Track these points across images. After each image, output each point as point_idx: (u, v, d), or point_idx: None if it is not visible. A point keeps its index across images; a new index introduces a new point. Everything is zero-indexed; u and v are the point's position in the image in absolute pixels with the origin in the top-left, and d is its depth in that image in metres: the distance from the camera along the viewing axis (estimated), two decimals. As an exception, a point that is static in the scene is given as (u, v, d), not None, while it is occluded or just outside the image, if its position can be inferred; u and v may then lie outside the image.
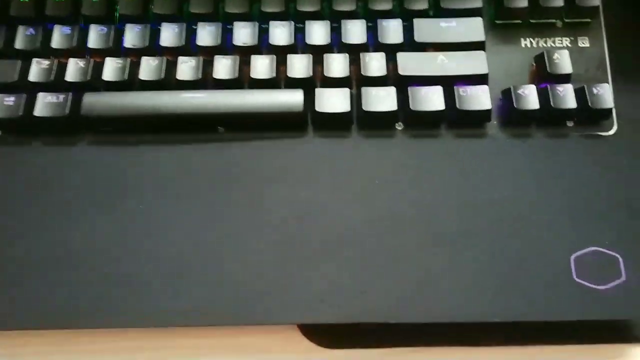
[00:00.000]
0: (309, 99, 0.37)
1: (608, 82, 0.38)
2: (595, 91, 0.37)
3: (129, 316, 0.33)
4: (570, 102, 0.36)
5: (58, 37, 0.38)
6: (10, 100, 0.37)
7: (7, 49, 0.38)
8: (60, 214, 0.35)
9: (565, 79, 0.37)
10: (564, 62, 0.37)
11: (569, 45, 0.39)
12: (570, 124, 0.38)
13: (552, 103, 0.36)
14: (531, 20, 0.39)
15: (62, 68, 0.37)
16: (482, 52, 0.38)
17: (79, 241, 0.35)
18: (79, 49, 0.38)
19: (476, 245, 0.35)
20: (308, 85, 0.37)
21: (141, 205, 0.36)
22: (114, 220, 0.35)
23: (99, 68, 0.37)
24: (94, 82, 0.37)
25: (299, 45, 0.38)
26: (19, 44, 0.38)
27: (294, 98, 0.36)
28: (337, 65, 0.37)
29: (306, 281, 0.34)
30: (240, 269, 0.34)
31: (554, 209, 0.36)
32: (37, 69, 0.37)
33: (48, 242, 0.35)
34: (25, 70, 0.37)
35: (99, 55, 0.38)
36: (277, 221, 0.35)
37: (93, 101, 0.36)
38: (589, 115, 0.37)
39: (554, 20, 0.39)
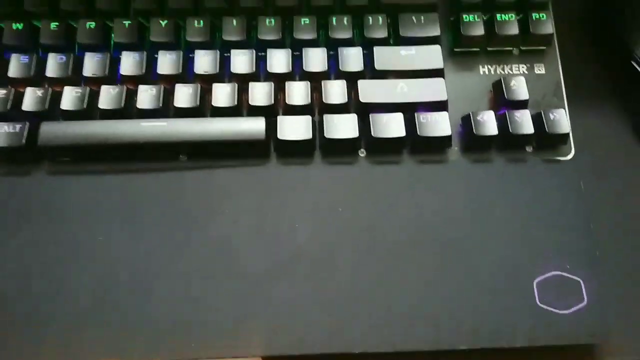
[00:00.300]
0: (271, 126, 0.37)
1: (564, 108, 0.39)
2: (552, 116, 0.37)
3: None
4: (528, 128, 0.37)
5: (15, 66, 0.37)
6: (-36, 130, 0.36)
7: (-37, 79, 0.37)
8: (17, 244, 0.35)
9: (522, 105, 0.38)
10: (520, 89, 0.38)
11: (526, 72, 0.40)
12: (529, 148, 0.38)
13: (510, 129, 0.37)
14: (488, 48, 0.40)
15: (19, 97, 0.37)
16: (441, 79, 0.38)
17: (33, 272, 0.34)
18: (37, 78, 0.38)
19: (439, 270, 0.35)
20: (270, 113, 0.37)
21: (101, 236, 0.35)
22: (70, 252, 0.35)
23: (57, 97, 0.37)
24: (51, 112, 0.37)
25: (261, 73, 0.39)
26: (-25, 73, 0.37)
27: (256, 126, 0.36)
28: (298, 92, 0.37)
29: (264, 312, 0.33)
30: (204, 301, 0.34)
31: (515, 234, 0.36)
32: (-7, 99, 0.37)
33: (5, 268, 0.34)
34: (-20, 100, 0.37)
35: (58, 84, 0.38)
36: (240, 250, 0.35)
37: (50, 130, 0.36)
38: (547, 140, 0.38)
39: (510, 48, 0.40)
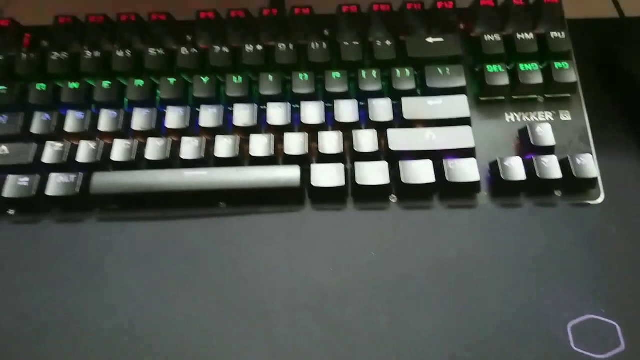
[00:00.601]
0: (306, 174, 0.39)
1: (591, 153, 0.40)
2: (579, 161, 0.38)
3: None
4: (556, 173, 0.38)
5: (71, 122, 0.41)
6: (24, 180, 0.39)
7: (24, 133, 0.41)
8: (71, 286, 0.37)
9: (549, 150, 0.39)
10: (547, 135, 0.39)
11: (551, 118, 0.41)
12: (558, 193, 0.39)
13: (538, 174, 0.38)
14: (513, 97, 0.42)
15: (74, 150, 0.40)
16: (468, 127, 0.40)
17: (85, 315, 0.36)
18: (90, 132, 0.41)
19: (472, 315, 0.35)
20: (304, 162, 0.39)
21: (144, 281, 0.37)
22: (117, 292, 0.37)
23: (108, 149, 0.40)
24: (103, 163, 0.40)
25: (296, 124, 0.41)
26: (34, 128, 0.41)
27: (291, 174, 0.38)
28: (331, 142, 0.39)
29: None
30: (240, 343, 0.35)
31: (548, 278, 0.36)
32: (50, 152, 0.40)
33: (57, 316, 0.36)
34: (39, 153, 0.40)
35: (109, 137, 0.41)
36: (274, 294, 0.36)
37: (102, 180, 0.39)
38: (575, 185, 0.39)
39: (535, 96, 0.42)
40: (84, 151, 0.40)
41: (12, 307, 0.36)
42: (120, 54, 0.43)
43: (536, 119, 0.41)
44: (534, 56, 0.41)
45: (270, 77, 0.42)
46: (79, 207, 0.39)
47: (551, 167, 0.38)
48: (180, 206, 0.39)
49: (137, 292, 0.37)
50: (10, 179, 0.39)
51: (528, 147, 0.40)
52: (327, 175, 0.39)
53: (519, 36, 0.42)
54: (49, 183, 0.39)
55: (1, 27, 0.44)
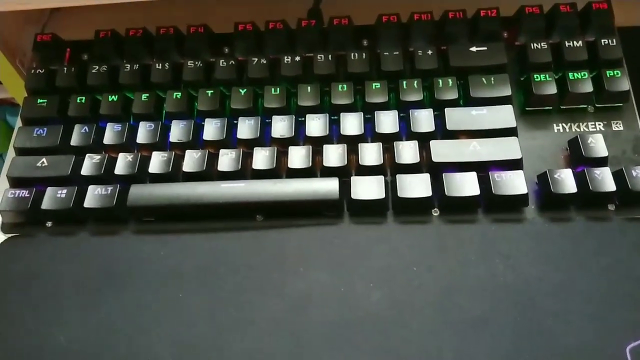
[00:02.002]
0: (345, 186, 0.38)
1: (647, 164, 0.38)
2: (634, 173, 0.36)
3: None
4: (609, 185, 0.36)
5: (110, 134, 0.41)
6: (62, 193, 0.39)
7: (63, 146, 0.41)
8: (108, 299, 0.36)
9: (601, 162, 0.37)
10: (599, 146, 0.37)
11: (602, 129, 0.39)
12: (611, 207, 0.37)
13: (590, 186, 0.36)
14: (561, 107, 0.40)
15: (112, 162, 0.40)
16: (514, 138, 0.38)
17: (115, 325, 0.35)
18: (128, 144, 0.41)
19: (522, 335, 0.33)
20: (343, 174, 0.38)
21: (181, 294, 0.36)
22: (155, 307, 0.36)
23: (145, 161, 0.40)
24: (140, 175, 0.39)
25: (334, 135, 0.40)
26: (74, 140, 0.41)
27: (329, 186, 0.37)
28: (371, 153, 0.38)
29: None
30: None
31: (601, 297, 0.34)
32: (89, 164, 0.40)
33: (94, 328, 0.35)
34: (77, 165, 0.40)
35: (147, 149, 0.40)
36: (313, 310, 0.35)
37: (139, 193, 0.38)
38: (630, 198, 0.36)
39: (585, 106, 0.40)
40: (122, 163, 0.40)
41: (48, 322, 0.36)
42: (158, 66, 0.43)
43: (586, 129, 0.40)
44: (583, 64, 0.40)
45: (309, 88, 0.41)
46: (116, 219, 0.39)
47: (604, 179, 0.36)
48: (217, 219, 0.38)
49: (168, 306, 0.36)
50: (49, 191, 0.39)
51: (579, 159, 0.38)
52: (366, 188, 0.37)
53: (567, 44, 0.40)
54: (87, 195, 0.39)
55: (43, 41, 0.45)
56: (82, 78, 0.43)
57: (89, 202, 0.38)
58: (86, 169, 0.40)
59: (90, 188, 0.39)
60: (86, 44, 0.45)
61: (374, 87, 0.40)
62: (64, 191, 0.39)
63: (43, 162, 0.40)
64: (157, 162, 0.39)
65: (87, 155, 0.40)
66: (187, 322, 0.35)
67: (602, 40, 0.40)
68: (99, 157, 0.40)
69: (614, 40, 0.40)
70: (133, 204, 0.38)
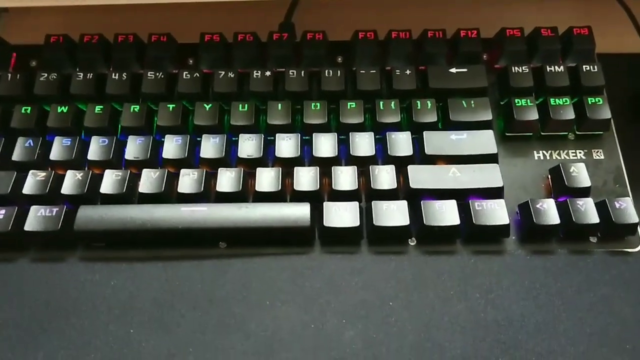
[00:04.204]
0: (317, 213, 0.35)
1: (629, 195, 0.37)
2: (617, 205, 0.35)
3: None
4: (593, 217, 0.34)
5: (57, 149, 0.37)
6: (0, 213, 0.35)
7: (3, 161, 0.37)
8: (50, 336, 0.32)
9: (584, 192, 0.36)
10: (581, 176, 0.36)
11: (583, 157, 0.38)
12: (593, 239, 0.36)
13: (573, 218, 0.34)
14: (542, 133, 0.39)
15: (59, 180, 0.36)
16: (496, 165, 0.36)
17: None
18: (78, 161, 0.37)
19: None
20: (315, 199, 0.35)
21: (132, 330, 0.33)
22: (101, 346, 0.32)
23: (97, 180, 0.36)
24: (90, 195, 0.36)
25: (306, 157, 0.37)
26: (16, 155, 0.37)
27: (300, 212, 0.35)
28: (345, 177, 0.36)
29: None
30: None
31: (586, 337, 0.32)
32: (32, 181, 0.36)
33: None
34: (19, 183, 0.36)
35: (99, 167, 0.37)
36: (281, 350, 0.32)
37: (88, 215, 0.35)
38: (613, 231, 0.35)
39: (565, 133, 0.39)
40: (70, 182, 0.36)
41: None
42: (115, 76, 0.39)
43: (567, 157, 0.38)
44: (564, 90, 0.38)
45: (279, 106, 0.38)
46: (62, 244, 0.35)
47: (587, 210, 0.35)
48: (176, 246, 0.35)
49: (119, 343, 0.32)
50: (-15, 211, 0.35)
51: (561, 188, 0.36)
52: (340, 215, 0.35)
53: (548, 68, 0.39)
54: (28, 217, 0.34)
55: (-14, 44, 0.41)
56: (29, 86, 0.39)
57: (30, 224, 0.34)
58: (29, 187, 0.36)
59: (33, 209, 0.35)
60: (35, 49, 0.41)
61: (349, 106, 0.38)
62: (2, 212, 0.35)
63: (-20, 179, 0.36)
64: (109, 181, 0.36)
65: (31, 172, 0.36)
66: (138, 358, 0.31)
67: (584, 67, 0.39)
68: (44, 174, 0.36)
69: (595, 67, 0.39)
70: (81, 227, 0.34)
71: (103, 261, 0.35)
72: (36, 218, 0.35)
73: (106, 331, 0.33)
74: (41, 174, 0.36)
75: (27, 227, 0.34)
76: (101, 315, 0.33)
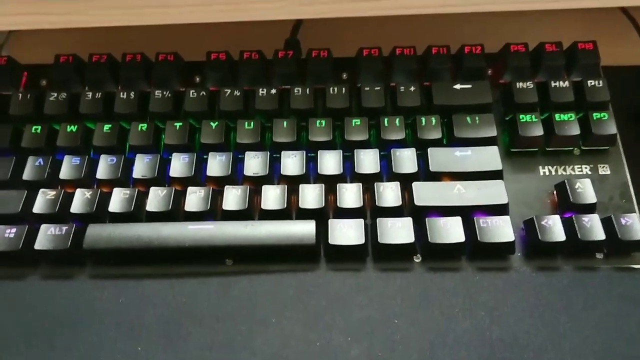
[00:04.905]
0: (322, 230, 0.35)
1: (635, 211, 0.37)
2: (623, 222, 0.35)
3: None
4: (599, 234, 0.34)
5: (67, 168, 0.38)
6: (11, 232, 0.35)
7: (14, 179, 0.37)
8: (59, 353, 0.33)
9: (589, 208, 0.36)
10: (587, 191, 0.36)
11: (589, 172, 0.38)
12: (599, 255, 0.35)
13: (579, 235, 0.34)
14: (547, 148, 0.39)
15: (68, 198, 0.36)
16: (500, 181, 0.36)
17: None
18: (87, 179, 0.37)
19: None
20: (320, 216, 0.36)
21: (139, 348, 0.33)
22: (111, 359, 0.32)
23: (105, 199, 0.36)
24: (99, 214, 0.36)
25: (311, 174, 0.38)
26: (26, 174, 0.37)
27: (306, 229, 0.35)
28: (350, 195, 0.36)
29: None
30: None
31: (589, 351, 0.32)
32: (42, 200, 0.36)
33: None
34: (30, 201, 0.36)
35: (107, 185, 0.37)
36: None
37: (97, 233, 0.35)
38: (620, 247, 0.35)
39: (571, 148, 0.39)
40: (79, 200, 0.36)
41: None
42: (123, 95, 0.40)
43: (573, 173, 0.38)
44: (569, 105, 0.38)
45: (285, 123, 0.38)
46: (71, 262, 0.36)
47: (593, 227, 0.35)
48: (183, 263, 0.35)
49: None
50: (-4, 229, 0.35)
51: (566, 205, 0.36)
52: (345, 232, 0.35)
53: (553, 84, 0.39)
54: (38, 235, 0.35)
55: (-3, 64, 0.41)
56: (39, 106, 0.40)
57: (40, 243, 0.35)
58: (39, 205, 0.36)
59: (43, 227, 0.35)
60: (45, 69, 0.42)
61: (354, 123, 0.38)
62: (13, 230, 0.35)
63: (-9, 197, 0.37)
64: (118, 199, 0.36)
65: (41, 190, 0.37)
66: None
67: (589, 82, 0.39)
68: (53, 192, 0.37)
69: (601, 82, 0.39)
70: (90, 246, 0.35)
71: (111, 278, 0.35)
72: (46, 236, 0.35)
73: (114, 348, 0.33)
74: (51, 193, 0.37)
75: (37, 245, 0.35)
76: (109, 332, 0.33)
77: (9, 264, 0.36)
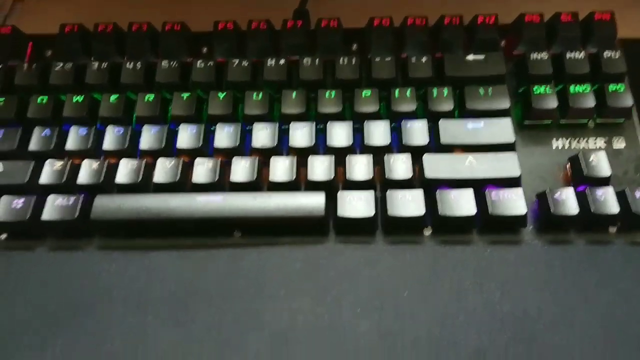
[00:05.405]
0: (331, 202, 0.35)
1: (650, 185, 0.36)
2: (638, 195, 0.34)
3: None
4: (612, 207, 0.34)
5: (73, 139, 0.37)
6: (18, 203, 0.35)
7: (21, 150, 0.37)
8: (67, 326, 0.33)
9: (604, 182, 0.35)
10: (601, 165, 0.35)
11: (604, 145, 0.37)
12: (613, 229, 0.35)
13: (592, 208, 0.34)
14: (561, 121, 0.38)
15: (75, 170, 0.36)
16: (513, 153, 0.36)
17: (77, 353, 0.32)
18: (94, 150, 0.37)
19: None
20: (330, 188, 0.35)
21: (148, 319, 0.33)
22: (119, 335, 0.32)
23: (112, 170, 0.36)
24: (106, 185, 0.36)
25: (320, 146, 0.37)
26: (33, 145, 0.37)
27: (315, 201, 0.34)
28: (360, 167, 0.35)
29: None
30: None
31: (604, 333, 0.32)
32: (49, 171, 0.36)
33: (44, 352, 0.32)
34: (36, 172, 0.36)
35: (114, 156, 0.37)
36: (295, 341, 0.32)
37: (104, 205, 0.35)
38: (634, 221, 0.34)
39: (585, 121, 0.38)
40: (86, 171, 0.36)
41: None
42: (129, 65, 0.39)
43: (587, 146, 0.37)
44: (585, 77, 0.38)
45: (294, 95, 0.38)
46: (78, 233, 0.35)
47: (607, 200, 0.34)
48: (191, 235, 0.35)
49: (135, 330, 0.32)
50: (4, 200, 0.35)
51: (580, 178, 0.35)
52: (354, 204, 0.34)
53: (568, 55, 0.38)
54: (45, 206, 0.35)
55: (2, 35, 0.41)
56: (45, 76, 0.39)
57: (48, 214, 0.35)
58: (46, 176, 0.36)
59: (50, 198, 0.35)
60: (50, 39, 0.41)
61: (364, 95, 0.38)
62: (21, 201, 0.35)
63: (-2, 168, 0.36)
64: (125, 171, 0.36)
65: (48, 161, 0.36)
66: (154, 346, 0.32)
67: (605, 53, 0.38)
68: (60, 163, 0.36)
69: (617, 54, 0.38)
70: (98, 217, 0.35)
71: (119, 250, 0.35)
72: (54, 207, 0.35)
73: (123, 321, 0.33)
74: (58, 164, 0.36)
75: (45, 216, 0.35)
76: (118, 305, 0.33)
77: (17, 234, 0.36)
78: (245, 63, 0.39)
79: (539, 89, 0.37)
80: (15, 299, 0.34)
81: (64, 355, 0.32)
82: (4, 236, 0.36)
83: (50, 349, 0.32)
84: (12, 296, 0.34)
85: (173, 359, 0.31)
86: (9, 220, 0.35)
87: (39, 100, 0.38)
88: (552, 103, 0.37)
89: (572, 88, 0.37)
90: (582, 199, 0.34)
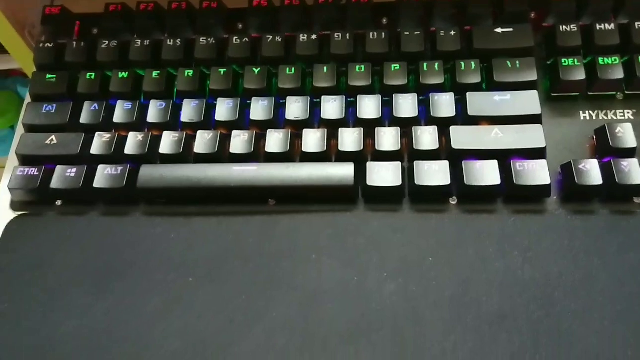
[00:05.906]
0: (360, 172, 0.37)
1: (677, 157, 0.36)
2: (663, 166, 0.35)
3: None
4: (637, 178, 0.34)
5: (120, 112, 0.40)
6: (71, 172, 0.38)
7: (72, 123, 0.40)
8: (117, 284, 0.36)
9: (629, 153, 0.36)
10: (627, 136, 0.36)
11: (631, 117, 0.38)
12: (637, 200, 0.36)
13: (616, 179, 0.34)
14: (589, 93, 0.38)
15: (122, 141, 0.39)
16: (539, 125, 0.36)
17: (125, 314, 0.35)
18: (139, 123, 0.40)
19: (540, 334, 0.32)
20: (359, 159, 0.37)
21: (190, 279, 0.36)
22: (162, 292, 0.35)
23: (156, 141, 0.39)
24: (150, 155, 0.38)
25: (350, 119, 0.39)
26: (83, 118, 0.40)
27: (345, 171, 0.36)
28: (388, 138, 0.37)
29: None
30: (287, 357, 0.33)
31: (623, 299, 0.33)
32: (98, 142, 0.39)
33: (98, 313, 0.35)
34: (87, 143, 0.39)
35: (157, 129, 0.39)
36: (324, 304, 0.34)
37: (149, 174, 0.37)
38: (658, 192, 0.35)
39: (614, 93, 0.38)
40: (132, 143, 0.39)
41: (55, 308, 0.35)
42: (170, 42, 0.41)
43: (614, 118, 0.38)
44: (614, 49, 0.38)
45: (325, 69, 0.39)
46: (126, 200, 0.38)
47: (632, 171, 0.35)
48: (229, 202, 0.38)
49: (177, 291, 0.35)
50: (58, 169, 0.38)
51: (605, 149, 0.36)
52: (383, 174, 0.36)
53: (598, 27, 0.38)
54: (97, 175, 0.38)
55: (52, 14, 0.43)
56: (92, 53, 0.42)
57: (98, 182, 0.38)
58: (96, 147, 0.39)
59: (100, 167, 0.38)
60: (96, 18, 0.43)
61: (393, 68, 0.39)
62: (74, 170, 0.38)
63: (52, 140, 0.39)
64: (167, 142, 0.38)
65: (97, 133, 0.39)
66: (195, 314, 0.34)
67: (636, 24, 0.38)
68: (108, 135, 0.39)
69: (649, 24, 0.38)
70: (143, 185, 0.37)
71: (163, 216, 0.38)
72: (103, 176, 0.38)
73: (166, 280, 0.36)
74: (106, 136, 0.39)
75: (96, 184, 0.37)
76: (162, 266, 0.36)
77: (70, 201, 0.39)
78: (278, 38, 0.40)
79: (567, 61, 0.38)
80: (69, 259, 0.37)
81: (111, 311, 0.35)
82: (59, 202, 0.39)
83: (100, 304, 0.35)
84: (66, 256, 0.37)
85: (210, 315, 0.34)
86: (63, 187, 0.38)
87: (87, 76, 0.41)
88: (580, 75, 0.37)
89: (601, 59, 0.37)
90: (606, 169, 0.35)
